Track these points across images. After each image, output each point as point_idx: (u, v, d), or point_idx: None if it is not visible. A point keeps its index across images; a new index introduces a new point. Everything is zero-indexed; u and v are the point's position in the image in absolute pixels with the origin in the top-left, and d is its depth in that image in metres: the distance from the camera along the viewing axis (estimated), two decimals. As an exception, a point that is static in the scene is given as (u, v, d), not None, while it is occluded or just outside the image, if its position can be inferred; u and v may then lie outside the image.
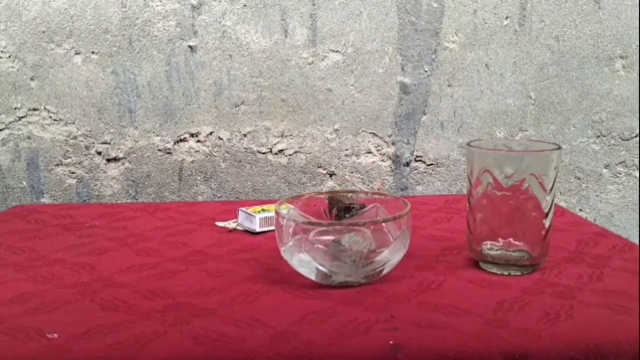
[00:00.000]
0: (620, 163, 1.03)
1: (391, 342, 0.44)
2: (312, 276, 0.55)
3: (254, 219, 0.73)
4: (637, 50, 1.00)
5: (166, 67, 0.96)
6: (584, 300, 0.51)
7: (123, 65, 0.96)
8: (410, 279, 0.57)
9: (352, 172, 1.01)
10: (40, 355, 0.43)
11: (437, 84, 0.99)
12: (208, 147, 0.99)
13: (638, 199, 1.04)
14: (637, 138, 1.02)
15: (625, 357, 0.44)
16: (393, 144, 1.00)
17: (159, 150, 0.98)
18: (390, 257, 0.55)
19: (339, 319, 0.48)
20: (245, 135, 0.99)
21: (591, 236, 0.71)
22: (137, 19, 0.94)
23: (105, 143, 0.97)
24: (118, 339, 0.44)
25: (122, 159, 0.98)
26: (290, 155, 1.00)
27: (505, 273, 0.58)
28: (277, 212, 0.56)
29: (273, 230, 0.66)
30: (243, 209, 0.75)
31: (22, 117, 0.96)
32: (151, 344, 0.44)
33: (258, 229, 0.73)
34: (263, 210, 0.75)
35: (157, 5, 0.94)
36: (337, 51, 0.97)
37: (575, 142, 1.02)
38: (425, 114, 1.00)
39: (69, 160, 0.97)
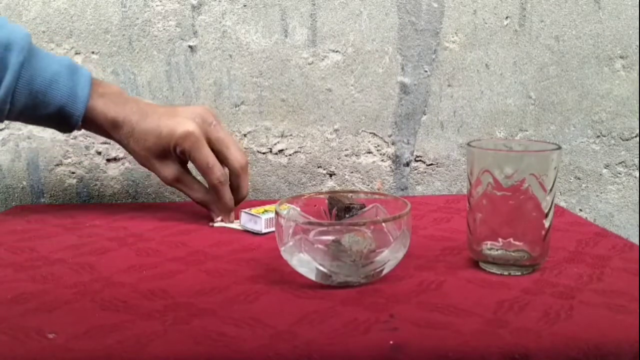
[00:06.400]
0: (620, 163, 1.03)
1: (391, 342, 0.44)
2: (312, 276, 0.55)
3: (259, 220, 0.72)
4: (637, 50, 1.00)
5: (166, 67, 0.96)
6: (584, 300, 0.51)
7: (123, 65, 0.96)
8: (410, 279, 0.57)
9: (352, 172, 1.01)
10: (40, 355, 0.43)
11: (437, 84, 0.99)
12: (208, 147, 0.99)
13: (638, 199, 1.04)
14: (637, 138, 1.02)
15: (625, 357, 0.44)
16: (393, 144, 1.00)
17: (159, 150, 0.98)
18: (390, 257, 0.55)
19: (339, 319, 0.48)
20: (245, 135, 0.99)
21: (591, 236, 0.71)
22: (137, 19, 0.94)
23: (105, 143, 0.97)
24: (118, 339, 0.44)
25: (122, 159, 0.98)
26: (290, 155, 1.00)
27: (505, 273, 0.58)
28: (277, 212, 0.56)
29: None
30: (245, 210, 0.75)
31: (22, 117, 0.96)
32: (151, 344, 0.44)
33: (264, 230, 0.72)
34: (266, 211, 0.74)
35: (157, 5, 0.94)
36: (337, 51, 0.97)
37: (575, 142, 1.02)
38: (425, 114, 1.00)
39: (69, 160, 0.97)
